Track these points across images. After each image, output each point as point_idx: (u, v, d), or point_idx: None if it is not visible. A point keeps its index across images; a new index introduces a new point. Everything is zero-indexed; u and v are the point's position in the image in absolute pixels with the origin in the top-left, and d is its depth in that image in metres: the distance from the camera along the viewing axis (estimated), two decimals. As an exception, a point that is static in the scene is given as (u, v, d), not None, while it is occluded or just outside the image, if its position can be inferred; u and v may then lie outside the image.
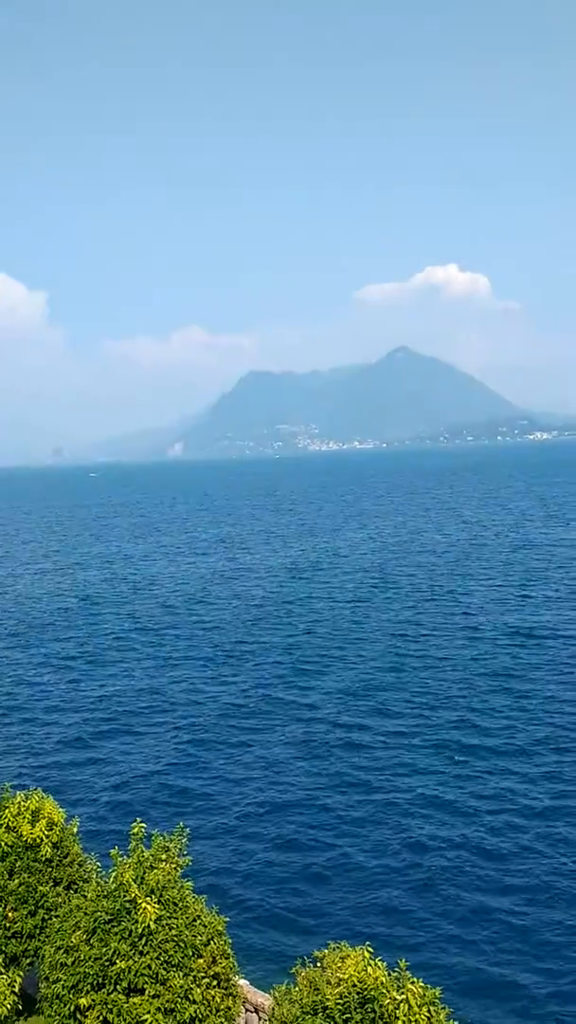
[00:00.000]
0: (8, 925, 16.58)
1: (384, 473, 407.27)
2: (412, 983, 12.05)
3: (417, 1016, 11.67)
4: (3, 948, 16.17)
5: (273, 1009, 13.29)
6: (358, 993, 12.12)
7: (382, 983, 12.10)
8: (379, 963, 12.55)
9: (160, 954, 13.85)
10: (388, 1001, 11.84)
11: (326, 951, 13.48)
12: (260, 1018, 15.94)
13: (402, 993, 11.91)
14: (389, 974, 12.38)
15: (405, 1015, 11.66)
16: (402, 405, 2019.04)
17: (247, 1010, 16.16)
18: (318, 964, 13.41)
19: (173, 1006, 13.61)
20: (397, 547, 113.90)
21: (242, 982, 15.84)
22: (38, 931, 16.58)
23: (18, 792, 18.24)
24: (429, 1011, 11.76)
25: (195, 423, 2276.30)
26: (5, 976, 13.52)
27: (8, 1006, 12.96)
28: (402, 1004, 11.75)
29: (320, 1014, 12.18)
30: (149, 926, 13.87)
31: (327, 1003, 12.19)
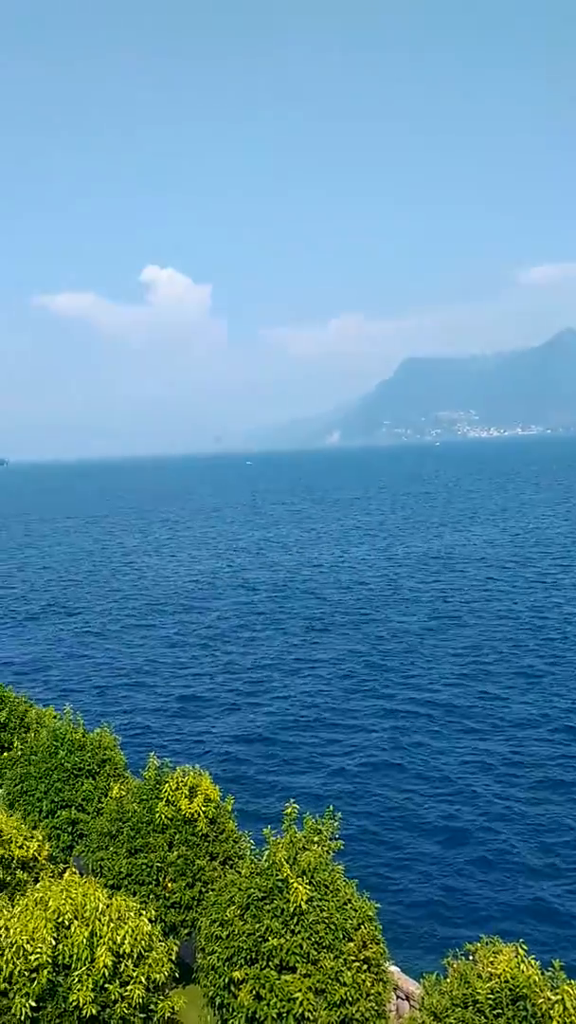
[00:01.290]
0: (167, 895, 17.27)
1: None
2: (569, 984, 11.66)
3: (573, 1018, 11.28)
4: (163, 917, 16.84)
5: (423, 998, 13.19)
6: (510, 990, 11.85)
7: (535, 982, 11.77)
8: (532, 961, 12.21)
9: (311, 934, 14.02)
10: (542, 1000, 11.51)
11: (478, 945, 13.25)
12: (411, 1006, 15.86)
13: (557, 994, 11.54)
14: (542, 973, 12.03)
15: (560, 1016, 11.30)
16: (570, 389, 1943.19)
17: (398, 997, 16.11)
18: (470, 957, 13.21)
19: (324, 987, 13.75)
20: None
21: (392, 968, 15.80)
22: (195, 903, 17.18)
23: (177, 767, 18.93)
24: (586, 1015, 11.34)
25: (351, 411, 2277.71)
26: (164, 944, 14.06)
27: (166, 973, 13.48)
28: (557, 1005, 11.39)
29: (470, 1007, 11.99)
30: (301, 906, 14.07)
31: (478, 997, 11.98)
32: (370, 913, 14.81)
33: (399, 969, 16.51)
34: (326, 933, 14.08)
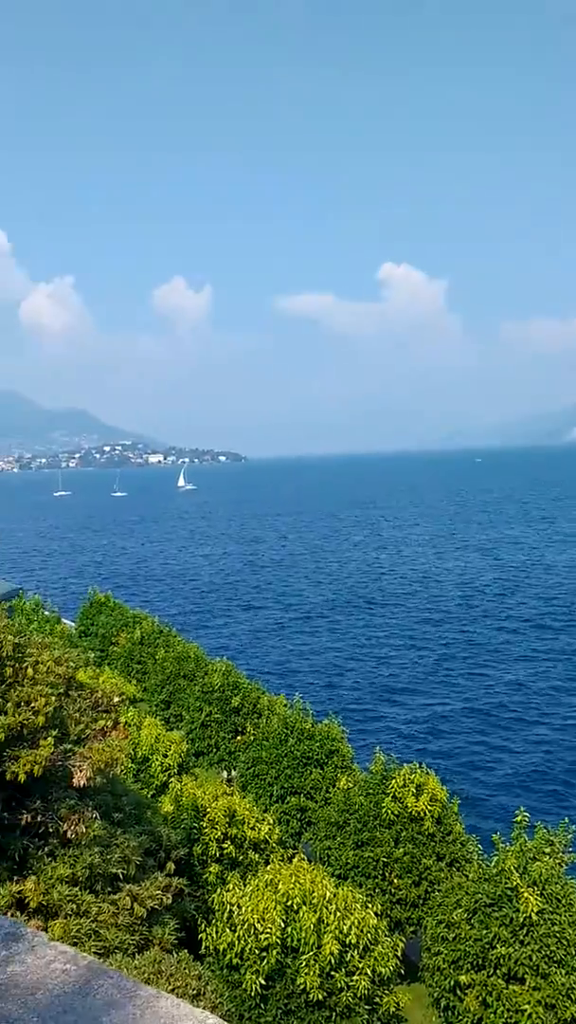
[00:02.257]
0: (394, 891, 17.31)
1: None
2: None
3: None
4: (388, 912, 16.89)
5: None
6: None
7: None
8: None
9: (541, 947, 13.53)
10: None
11: None
12: None
13: None
14: None
15: None
16: None
17: None
18: None
19: (554, 1002, 13.24)
20: None
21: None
22: (421, 902, 17.09)
23: (404, 764, 18.91)
24: None
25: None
26: (390, 939, 14.10)
27: (391, 967, 13.51)
28: None
29: None
30: (531, 917, 13.62)
31: None
32: (607, 932, 14.07)
33: None
34: (557, 948, 13.54)
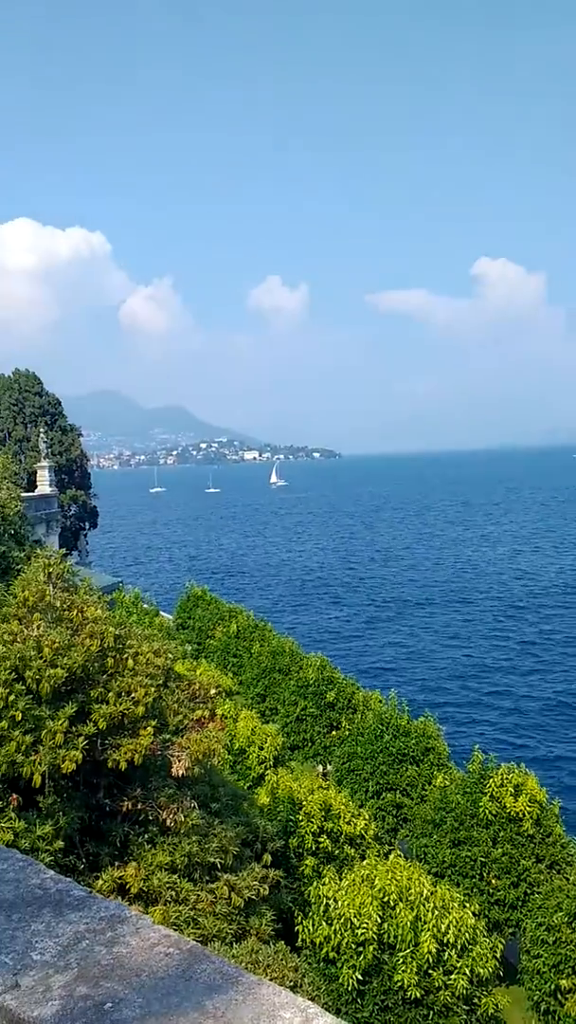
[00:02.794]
0: (491, 891, 17.03)
1: None
2: None
3: None
4: (487, 913, 16.63)
5: None
6: None
7: None
8: None
9: None
10: None
11: None
12: None
13: None
14: None
15: None
16: None
17: None
18: None
19: None
20: None
21: None
22: (520, 903, 16.77)
23: (502, 764, 18.58)
24: None
25: None
26: (488, 940, 13.89)
27: (490, 968, 13.30)
28: None
29: None
30: None
31: None
32: None
33: None
34: None
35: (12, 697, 8.97)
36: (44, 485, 50.67)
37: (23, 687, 9.20)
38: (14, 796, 9.02)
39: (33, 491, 48.40)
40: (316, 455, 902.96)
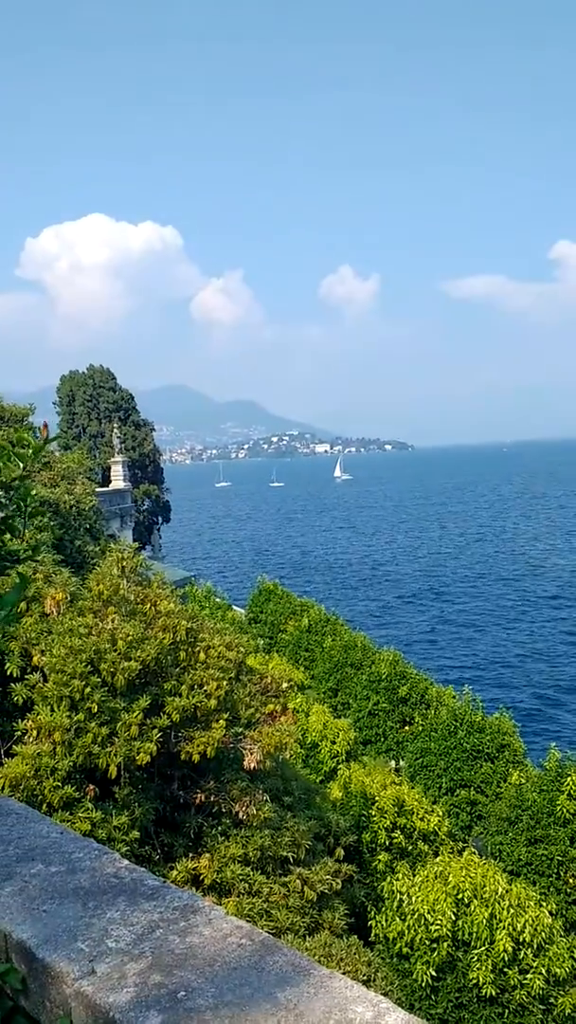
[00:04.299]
0: (569, 891, 16.73)
1: None
2: None
3: None
4: (564, 912, 16.34)
5: None
6: None
7: None
8: None
9: None
10: None
11: None
12: None
13: None
14: None
15: None
16: None
17: None
18: None
19: None
20: None
21: None
22: (598, 904, 16.44)
23: (580, 760, 18.24)
24: None
25: None
26: (566, 940, 13.66)
27: (567, 969, 13.08)
28: None
29: None
30: None
31: None
32: None
33: None
34: None
35: (88, 689, 9.16)
36: (118, 480, 51.57)
37: (98, 679, 9.38)
38: (91, 787, 9.21)
39: (107, 486, 49.27)
40: (388, 447, 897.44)
